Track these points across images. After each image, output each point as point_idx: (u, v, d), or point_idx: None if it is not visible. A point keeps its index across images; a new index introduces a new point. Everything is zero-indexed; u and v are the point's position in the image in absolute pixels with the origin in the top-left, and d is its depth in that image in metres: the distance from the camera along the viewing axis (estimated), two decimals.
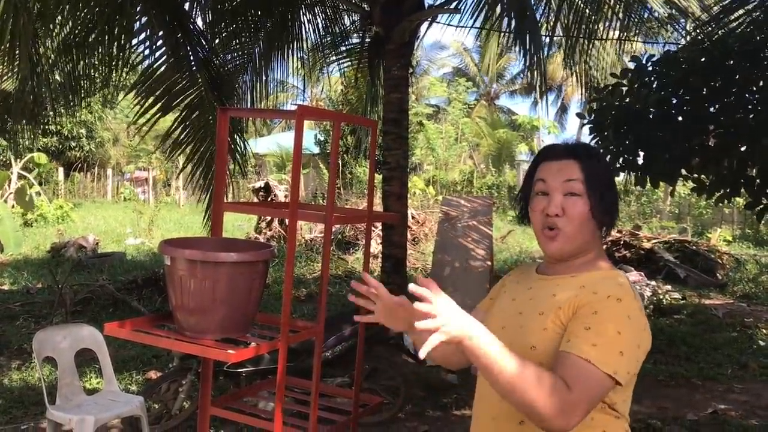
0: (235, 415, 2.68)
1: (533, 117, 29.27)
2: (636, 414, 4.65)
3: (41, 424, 4.34)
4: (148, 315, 2.67)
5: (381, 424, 4.48)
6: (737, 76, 4.47)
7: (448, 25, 8.56)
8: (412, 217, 12.55)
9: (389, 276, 6.48)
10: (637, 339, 1.39)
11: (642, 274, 9.29)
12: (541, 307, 1.47)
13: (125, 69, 6.52)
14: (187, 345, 2.26)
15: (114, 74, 6.61)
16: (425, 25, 7.47)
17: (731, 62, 4.52)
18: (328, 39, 8.08)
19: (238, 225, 14.50)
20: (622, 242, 11.12)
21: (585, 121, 5.17)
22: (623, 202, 17.95)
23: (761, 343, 6.91)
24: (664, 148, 4.55)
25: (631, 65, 5.06)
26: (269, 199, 11.84)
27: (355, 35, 8.39)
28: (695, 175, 4.84)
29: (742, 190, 4.66)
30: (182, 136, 6.41)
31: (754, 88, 4.47)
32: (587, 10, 7.17)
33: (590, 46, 7.79)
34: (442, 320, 1.24)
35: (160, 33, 5.96)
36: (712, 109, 4.60)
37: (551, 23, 7.50)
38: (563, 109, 32.82)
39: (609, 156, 4.83)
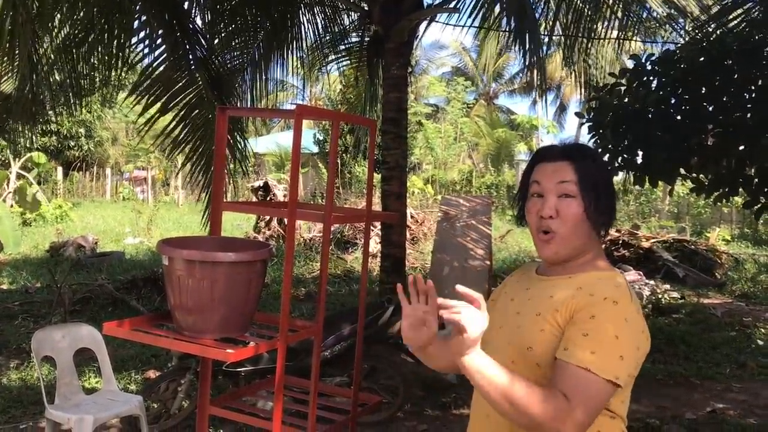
0: (234, 415, 2.68)
1: (532, 116, 29.29)
2: (634, 413, 4.65)
3: (40, 423, 4.34)
4: (147, 314, 2.67)
5: (380, 424, 4.48)
6: (736, 76, 4.47)
7: (447, 24, 8.56)
8: (411, 217, 12.55)
9: (388, 275, 6.48)
10: (635, 341, 1.39)
11: (641, 273, 9.30)
12: (539, 308, 1.47)
13: (124, 68, 6.52)
14: (186, 344, 2.26)
15: (113, 73, 6.61)
16: (424, 24, 7.48)
17: (730, 62, 4.52)
18: (328, 38, 8.08)
19: (237, 224, 14.49)
20: (620, 241, 11.12)
21: (583, 121, 5.18)
22: (622, 202, 17.95)
23: (759, 342, 6.92)
24: (662, 147, 4.55)
25: (630, 64, 5.06)
26: (268, 198, 11.83)
27: (354, 34, 8.39)
28: (694, 175, 4.85)
29: (741, 189, 4.66)
30: (181, 134, 6.41)
31: (753, 87, 4.47)
32: (586, 10, 7.17)
33: (589, 45, 7.79)
34: (466, 318, 1.29)
35: (160, 32, 5.96)
36: (710, 109, 4.60)
37: (550, 22, 7.51)
38: (562, 109, 32.83)
39: (608, 155, 4.84)
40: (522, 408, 1.29)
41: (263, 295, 7.08)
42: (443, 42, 32.46)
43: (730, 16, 5.62)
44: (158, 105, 6.24)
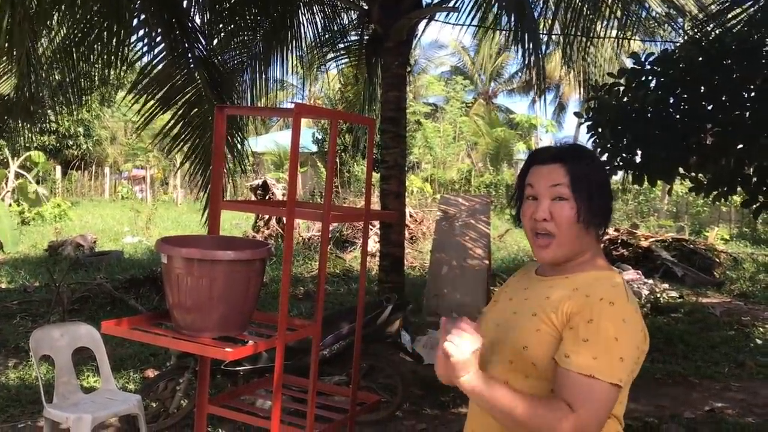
0: (233, 414, 2.67)
1: (531, 115, 29.27)
2: (633, 412, 4.66)
3: (38, 422, 4.33)
4: (146, 313, 2.67)
5: (378, 423, 4.48)
6: (735, 75, 4.47)
7: (445, 23, 8.56)
8: (410, 216, 12.55)
9: (387, 275, 6.49)
10: (634, 341, 1.39)
11: (639, 272, 9.31)
12: (535, 308, 1.47)
13: (123, 67, 6.51)
14: (185, 343, 2.26)
15: (112, 72, 6.60)
16: (423, 23, 7.48)
17: (729, 61, 4.52)
18: (327, 36, 8.08)
19: (235, 223, 14.49)
20: (619, 241, 11.13)
21: (582, 121, 5.18)
22: (621, 201, 17.95)
23: (758, 341, 6.93)
24: (661, 146, 4.55)
25: (630, 64, 5.06)
26: (267, 197, 11.83)
27: (353, 33, 8.38)
28: (693, 174, 4.85)
29: (739, 188, 4.67)
30: (180, 133, 6.41)
31: (751, 87, 4.47)
32: (585, 9, 7.17)
33: (588, 44, 7.79)
34: (448, 344, 1.36)
35: (158, 30, 5.96)
36: (709, 108, 4.60)
37: (549, 21, 7.51)
38: (561, 108, 32.81)
39: (607, 155, 4.84)
40: (527, 425, 1.33)
41: (262, 294, 7.08)
42: (442, 41, 32.37)
43: (729, 15, 5.62)
44: (157, 103, 6.23)
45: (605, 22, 7.43)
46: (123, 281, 8.31)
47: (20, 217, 15.20)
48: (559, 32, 7.63)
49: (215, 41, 7.20)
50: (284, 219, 2.49)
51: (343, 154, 18.90)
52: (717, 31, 5.24)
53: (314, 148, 20.99)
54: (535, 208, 1.50)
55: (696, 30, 6.06)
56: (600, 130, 4.88)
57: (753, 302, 9.07)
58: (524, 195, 1.56)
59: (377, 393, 4.36)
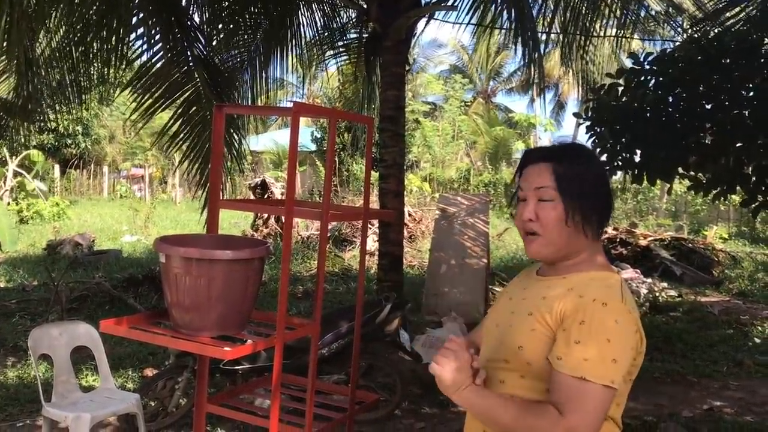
0: (232, 413, 2.67)
1: (530, 114, 29.27)
2: (632, 411, 4.66)
3: (37, 421, 4.33)
4: (144, 312, 2.67)
5: (377, 421, 4.48)
6: (734, 74, 4.47)
7: (444, 21, 8.56)
8: (409, 215, 12.55)
9: (386, 273, 6.48)
10: (628, 342, 1.37)
11: (638, 271, 9.32)
12: (531, 307, 1.47)
13: (122, 65, 6.51)
14: (184, 342, 2.25)
15: (110, 71, 6.60)
16: (422, 22, 7.47)
17: (728, 60, 4.52)
18: (326, 35, 8.08)
19: (234, 222, 14.49)
20: (618, 240, 11.15)
21: (581, 121, 5.18)
22: (620, 200, 17.96)
23: (756, 340, 6.94)
24: (660, 146, 4.56)
25: (629, 63, 5.06)
26: (266, 196, 11.83)
27: (353, 31, 8.38)
28: (692, 173, 4.85)
29: (738, 187, 4.67)
30: (179, 132, 6.40)
31: (750, 86, 4.47)
32: (584, 8, 7.17)
33: (587, 43, 7.79)
34: (433, 366, 1.43)
35: (158, 28, 5.95)
36: (708, 107, 4.60)
37: (548, 20, 7.51)
38: (560, 107, 32.82)
39: (606, 155, 4.84)
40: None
41: (261, 294, 7.07)
42: (441, 40, 32.47)
43: (728, 14, 5.63)
44: (156, 102, 6.23)
45: (604, 21, 7.43)
46: (121, 280, 8.30)
47: (19, 216, 15.19)
48: (558, 31, 7.63)
49: (214, 39, 7.19)
50: (283, 218, 2.49)
51: (341, 152, 18.90)
52: (716, 31, 5.24)
53: (313, 147, 20.99)
54: (523, 209, 1.52)
55: (695, 29, 6.06)
56: (599, 130, 4.88)
57: (751, 301, 9.08)
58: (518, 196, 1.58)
59: (376, 392, 4.36)
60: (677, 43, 5.99)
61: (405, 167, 7.04)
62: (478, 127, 26.50)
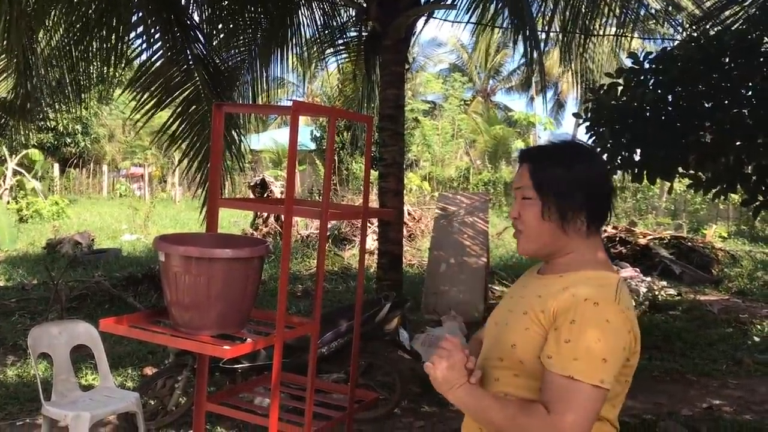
0: (231, 411, 2.67)
1: (529, 113, 29.27)
2: (631, 409, 4.66)
3: (37, 420, 4.34)
4: (144, 311, 2.67)
5: (377, 420, 4.48)
6: (734, 73, 4.47)
7: (444, 20, 8.56)
8: (408, 214, 12.55)
9: (386, 272, 6.49)
10: (619, 342, 1.36)
11: (637, 270, 9.32)
12: (526, 306, 1.48)
13: (121, 64, 6.50)
14: (183, 341, 2.26)
15: (110, 70, 6.60)
16: (422, 20, 7.47)
17: (727, 59, 4.52)
18: (326, 33, 8.08)
19: (234, 221, 14.49)
20: (617, 238, 11.15)
21: (581, 121, 5.18)
22: (619, 199, 17.96)
23: (756, 339, 6.94)
24: (660, 145, 4.56)
25: (628, 62, 5.06)
26: (265, 195, 11.82)
27: (352, 30, 8.38)
28: (692, 172, 4.85)
29: (738, 186, 4.67)
30: (178, 131, 6.40)
31: (750, 84, 4.47)
32: (583, 7, 7.17)
33: (587, 42, 7.79)
34: (427, 365, 1.47)
35: (157, 27, 5.95)
36: (708, 106, 4.60)
37: (548, 19, 7.51)
38: (559, 105, 32.82)
39: (606, 154, 4.84)
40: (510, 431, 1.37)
41: (260, 292, 7.06)
42: (441, 39, 32.45)
43: (727, 13, 5.63)
44: (155, 101, 6.23)
45: (604, 20, 7.43)
46: (121, 279, 8.30)
47: (18, 215, 15.19)
48: (557, 30, 7.63)
49: (214, 38, 7.19)
50: (282, 217, 2.49)
51: (341, 151, 18.90)
52: (715, 30, 5.24)
53: (312, 146, 20.99)
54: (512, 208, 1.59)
55: (694, 28, 6.06)
56: (599, 129, 4.88)
57: (751, 299, 9.08)
58: None
59: (375, 390, 4.37)
60: (677, 42, 5.99)
61: (404, 166, 7.05)
62: (478, 125, 26.51)
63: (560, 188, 1.48)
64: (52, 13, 6.27)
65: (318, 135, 20.44)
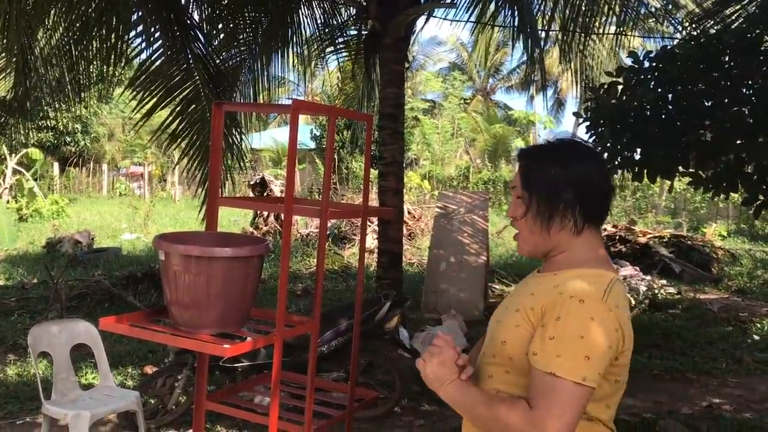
0: (231, 410, 2.67)
1: (529, 112, 29.27)
2: (631, 408, 4.67)
3: (37, 419, 4.34)
4: (144, 310, 2.67)
5: (377, 419, 4.48)
6: (733, 72, 4.47)
7: (443, 19, 8.56)
8: (408, 213, 12.55)
9: (386, 271, 6.49)
10: (604, 340, 1.35)
11: (637, 268, 9.32)
12: (519, 303, 1.49)
13: (121, 63, 6.50)
14: (183, 340, 2.25)
15: (110, 69, 6.60)
16: (422, 19, 7.47)
17: (727, 58, 4.52)
18: (326, 32, 8.07)
19: (233, 220, 14.49)
20: (617, 237, 11.15)
21: (581, 121, 5.18)
22: (619, 197, 17.97)
23: (756, 337, 6.94)
24: (660, 144, 4.56)
25: (628, 61, 5.06)
26: (265, 194, 11.82)
27: (352, 28, 8.38)
28: (692, 170, 4.85)
29: (739, 186, 4.66)
30: (178, 130, 6.40)
31: (749, 82, 4.47)
32: (583, 5, 7.16)
33: (587, 40, 7.79)
34: (419, 362, 1.52)
35: (157, 26, 5.95)
36: (708, 104, 4.60)
37: (548, 17, 7.51)
38: (559, 104, 32.81)
39: (606, 154, 4.84)
40: (497, 429, 1.37)
41: (260, 291, 7.05)
42: (441, 38, 32.39)
43: (727, 12, 5.63)
44: (155, 100, 6.23)
45: (604, 18, 7.42)
46: (121, 278, 8.30)
47: (18, 214, 15.18)
48: (557, 29, 7.62)
49: (214, 37, 7.19)
50: (282, 215, 2.49)
51: (341, 150, 18.90)
52: (715, 28, 5.24)
53: (312, 145, 20.98)
54: None
55: (694, 27, 6.06)
56: (599, 129, 4.88)
57: (751, 298, 9.09)
58: None
59: (375, 389, 4.37)
60: (677, 41, 5.99)
61: (404, 165, 7.05)
62: (478, 124, 26.51)
63: (548, 187, 1.49)
64: (52, 12, 6.27)
65: (318, 134, 20.43)
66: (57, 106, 7.58)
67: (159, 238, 2.30)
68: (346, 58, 8.77)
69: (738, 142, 4.50)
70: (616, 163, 4.90)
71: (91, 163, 25.01)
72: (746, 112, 4.41)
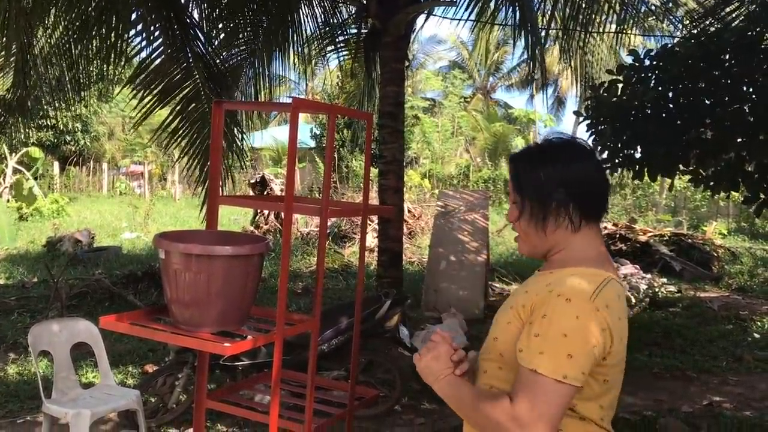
0: (231, 409, 2.67)
1: (529, 110, 29.26)
2: (631, 406, 4.67)
3: (37, 418, 4.34)
4: (144, 308, 2.67)
5: (377, 417, 4.49)
6: (734, 70, 4.47)
7: (444, 17, 8.55)
8: (408, 211, 12.55)
9: (386, 270, 6.49)
10: (589, 339, 1.35)
11: (638, 267, 9.31)
12: (513, 301, 1.50)
13: (121, 62, 6.50)
14: (183, 338, 2.26)
15: (109, 68, 6.59)
16: (422, 18, 7.46)
17: (727, 56, 4.52)
18: (327, 30, 8.07)
19: (234, 219, 14.49)
20: (618, 235, 11.15)
21: (581, 119, 5.18)
22: (619, 196, 17.97)
23: (756, 335, 6.94)
24: (661, 143, 4.55)
25: (629, 59, 5.05)
26: (265, 193, 11.82)
27: (352, 26, 8.37)
28: (692, 168, 4.85)
29: (740, 184, 4.66)
30: (178, 128, 6.40)
31: (749, 81, 4.47)
32: (583, 3, 7.16)
33: (587, 39, 7.78)
34: (414, 356, 1.55)
35: (157, 25, 5.95)
36: (708, 102, 4.60)
37: (548, 15, 7.50)
38: (559, 102, 32.80)
39: (607, 152, 4.84)
40: (478, 423, 1.41)
41: (261, 290, 7.07)
42: (441, 36, 32.37)
43: (727, 10, 5.62)
44: (155, 98, 6.23)
45: (604, 17, 7.41)
46: (121, 277, 8.30)
47: (18, 213, 15.18)
48: (557, 27, 7.62)
49: (213, 36, 7.18)
50: (283, 214, 2.49)
51: (341, 149, 18.90)
52: (716, 27, 5.23)
53: (312, 144, 20.98)
54: None
55: (694, 24, 6.05)
56: (599, 127, 4.88)
57: (751, 296, 9.09)
58: None
59: (376, 388, 4.37)
60: (677, 40, 5.98)
61: (404, 163, 7.05)
62: (478, 123, 26.50)
63: (539, 188, 1.50)
64: (52, 10, 6.27)
65: (318, 132, 20.43)
66: (57, 105, 7.57)
67: (159, 237, 2.30)
68: (347, 57, 8.77)
69: (738, 140, 4.49)
70: (617, 161, 4.90)
71: (91, 162, 25.01)
72: (747, 111, 4.41)
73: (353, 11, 8.13)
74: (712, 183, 4.74)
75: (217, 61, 6.83)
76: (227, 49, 7.30)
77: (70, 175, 23.86)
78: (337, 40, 8.34)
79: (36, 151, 17.82)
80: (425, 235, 11.91)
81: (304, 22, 7.78)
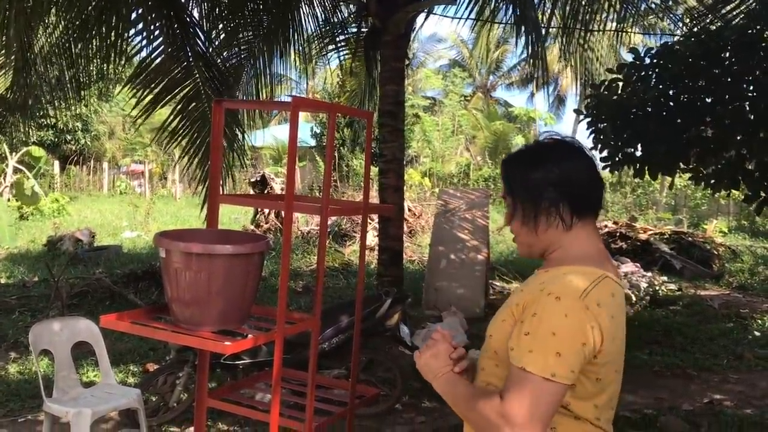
0: (232, 407, 2.68)
1: (530, 109, 29.24)
2: (631, 404, 4.67)
3: (38, 417, 4.34)
4: (145, 307, 2.67)
5: (378, 416, 4.49)
6: (734, 68, 4.46)
7: (444, 16, 8.54)
8: (409, 210, 12.55)
9: (386, 268, 6.49)
10: (578, 337, 1.35)
11: (638, 265, 9.31)
12: (510, 300, 1.51)
13: (121, 61, 6.50)
14: (184, 337, 2.26)
15: (110, 67, 6.59)
16: (422, 16, 7.46)
17: (727, 54, 4.52)
18: (327, 29, 8.06)
19: (234, 218, 14.49)
20: (618, 234, 11.15)
21: (582, 118, 5.18)
22: (619, 194, 17.96)
23: (756, 333, 6.95)
24: (661, 141, 4.55)
25: (629, 57, 5.05)
26: (266, 191, 11.82)
27: (353, 25, 8.37)
28: (693, 166, 4.85)
29: (740, 182, 4.66)
30: (179, 127, 6.40)
31: (749, 79, 4.47)
32: (583, 1, 7.15)
33: (587, 37, 7.78)
34: (415, 353, 1.57)
35: (156, 24, 5.95)
36: (708, 100, 4.60)
37: (548, 13, 7.50)
38: (560, 101, 32.77)
39: (607, 151, 4.84)
40: (471, 420, 1.42)
41: (261, 289, 7.07)
42: (441, 35, 32.38)
43: (728, 8, 5.62)
44: (155, 97, 6.23)
45: (604, 15, 7.41)
46: (122, 276, 8.30)
47: (19, 213, 15.18)
48: (557, 26, 7.61)
49: (213, 34, 7.18)
50: (283, 213, 2.49)
51: (341, 148, 18.89)
52: (716, 25, 5.23)
53: (313, 143, 20.97)
54: None
55: (695, 22, 6.05)
56: (600, 125, 4.88)
57: (751, 294, 9.09)
58: None
59: (376, 386, 4.37)
60: (677, 38, 5.98)
61: (404, 162, 7.05)
62: (478, 121, 26.48)
63: (528, 189, 1.51)
64: (52, 10, 6.27)
65: (318, 131, 20.42)
66: (57, 104, 7.57)
67: (160, 236, 2.31)
68: (347, 56, 8.76)
69: (739, 138, 4.49)
70: (617, 159, 4.90)
71: (92, 161, 25.00)
72: (747, 109, 4.41)
73: (353, 10, 8.13)
74: (712, 181, 4.74)
75: (218, 60, 6.83)
76: (228, 48, 7.30)
77: (70, 174, 23.86)
78: (337, 38, 8.33)
79: (38, 151, 17.81)
80: (425, 233, 11.91)
81: (305, 21, 7.78)
